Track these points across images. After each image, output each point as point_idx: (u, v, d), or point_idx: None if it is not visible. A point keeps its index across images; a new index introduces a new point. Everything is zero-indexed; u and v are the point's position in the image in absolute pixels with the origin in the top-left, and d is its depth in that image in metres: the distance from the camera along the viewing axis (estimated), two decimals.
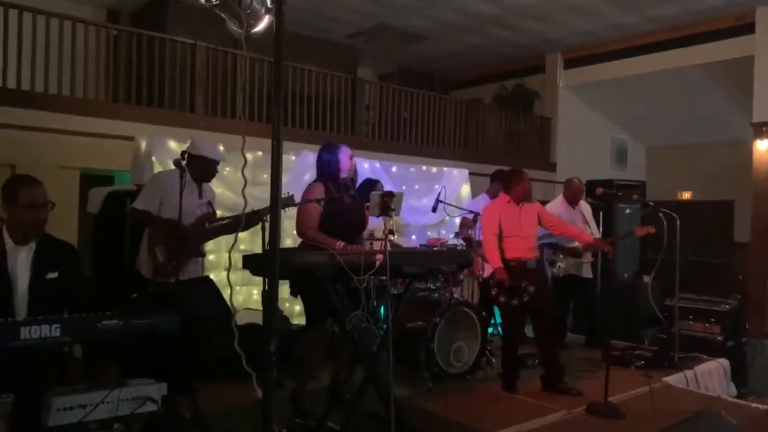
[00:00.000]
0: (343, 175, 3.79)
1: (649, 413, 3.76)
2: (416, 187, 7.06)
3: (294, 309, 5.63)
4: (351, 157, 3.83)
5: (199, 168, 3.63)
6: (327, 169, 3.77)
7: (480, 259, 5.26)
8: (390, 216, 3.28)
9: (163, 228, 3.47)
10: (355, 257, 3.13)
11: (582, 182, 5.46)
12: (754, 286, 8.29)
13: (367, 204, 3.42)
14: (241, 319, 2.94)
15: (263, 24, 2.10)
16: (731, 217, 8.68)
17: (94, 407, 2.48)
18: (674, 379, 4.74)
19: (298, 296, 3.75)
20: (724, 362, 5.31)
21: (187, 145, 3.83)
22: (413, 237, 6.93)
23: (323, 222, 3.63)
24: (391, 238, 3.23)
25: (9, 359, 2.36)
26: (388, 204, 3.26)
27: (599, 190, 4.69)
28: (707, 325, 5.71)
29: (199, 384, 3.43)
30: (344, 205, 3.74)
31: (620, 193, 5.43)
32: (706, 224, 7.90)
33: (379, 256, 3.15)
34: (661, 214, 4.82)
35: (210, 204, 3.73)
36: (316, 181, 3.78)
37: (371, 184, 4.76)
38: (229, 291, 2.57)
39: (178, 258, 3.37)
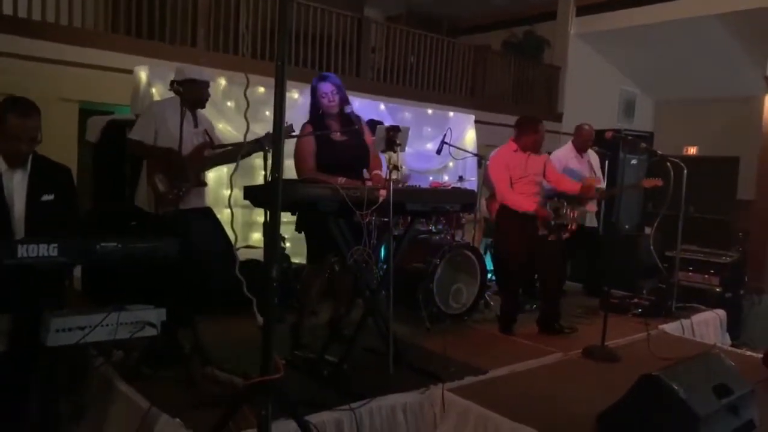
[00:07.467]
0: (326, 109, 3.62)
1: (645, 357, 3.78)
2: (420, 131, 6.95)
3: (295, 249, 5.62)
4: (331, 92, 3.59)
5: (191, 93, 3.48)
6: (311, 107, 3.68)
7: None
8: (395, 151, 3.21)
9: (161, 156, 3.40)
10: (359, 192, 3.08)
11: (592, 129, 5.36)
12: (757, 243, 8.29)
13: (372, 138, 3.34)
14: (241, 255, 2.89)
15: None
16: (736, 173, 8.62)
17: (93, 329, 2.48)
18: (671, 327, 4.78)
19: (302, 233, 3.70)
20: (721, 313, 5.34)
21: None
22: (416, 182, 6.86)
23: (319, 163, 3.54)
24: (396, 173, 3.17)
25: (7, 278, 2.34)
26: (394, 138, 3.19)
27: (608, 134, 4.61)
28: (706, 276, 5.74)
29: (199, 316, 3.43)
30: (335, 144, 3.61)
31: (630, 137, 5.31)
32: (709, 180, 7.84)
33: (383, 192, 3.10)
34: (668, 164, 4.74)
35: (207, 132, 3.64)
36: (305, 123, 3.67)
37: (373, 125, 4.64)
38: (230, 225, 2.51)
39: (179, 186, 3.31)
